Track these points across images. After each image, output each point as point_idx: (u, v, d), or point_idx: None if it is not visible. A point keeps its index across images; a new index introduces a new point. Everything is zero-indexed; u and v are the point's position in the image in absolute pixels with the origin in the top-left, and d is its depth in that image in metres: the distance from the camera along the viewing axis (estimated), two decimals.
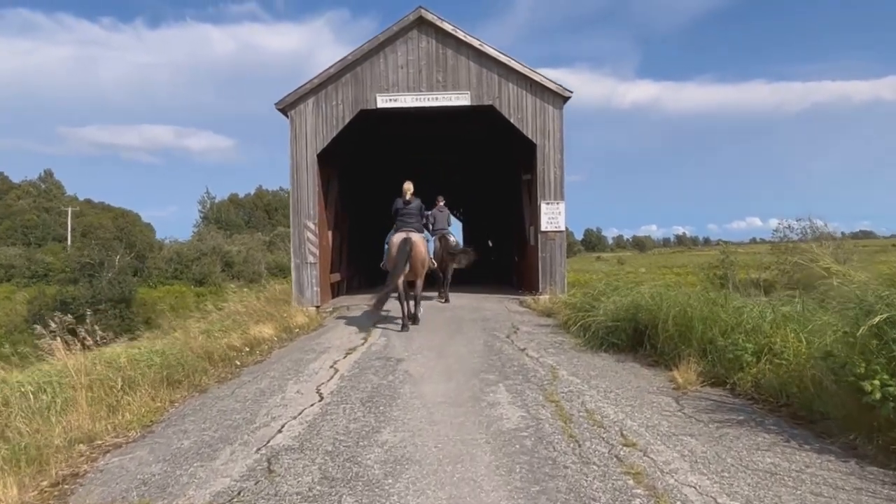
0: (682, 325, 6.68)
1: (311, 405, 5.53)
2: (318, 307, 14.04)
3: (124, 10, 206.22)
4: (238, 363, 7.57)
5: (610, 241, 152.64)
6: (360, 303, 14.69)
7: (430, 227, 13.23)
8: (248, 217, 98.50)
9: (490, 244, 27.07)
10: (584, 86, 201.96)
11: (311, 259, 14.14)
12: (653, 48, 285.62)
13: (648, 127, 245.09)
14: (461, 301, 14.16)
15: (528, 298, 14.00)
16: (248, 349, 8.24)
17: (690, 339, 6.50)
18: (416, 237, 10.26)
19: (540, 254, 14.38)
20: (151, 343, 7.60)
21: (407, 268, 10.12)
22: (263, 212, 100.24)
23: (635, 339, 7.47)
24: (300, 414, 5.26)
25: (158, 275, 53.40)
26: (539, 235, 14.41)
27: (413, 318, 10.36)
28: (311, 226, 14.15)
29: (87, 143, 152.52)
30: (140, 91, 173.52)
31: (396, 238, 10.14)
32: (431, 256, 11.71)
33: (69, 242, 61.90)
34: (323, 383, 6.34)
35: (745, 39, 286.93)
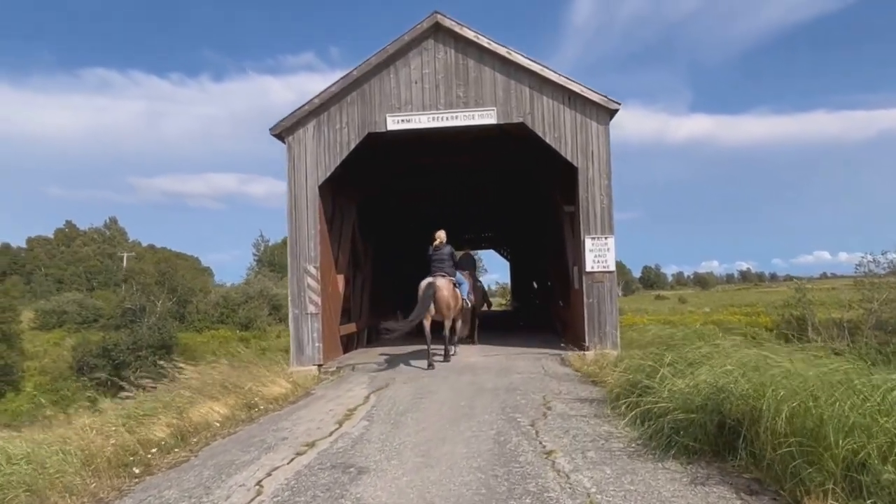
0: (806, 428, 4.07)
1: None
2: (320, 366, 11.82)
3: (191, 65, 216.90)
4: (136, 471, 5.31)
5: (669, 279, 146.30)
6: (374, 359, 12.44)
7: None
8: None
9: (535, 286, 24.48)
10: (636, 121, 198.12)
11: (311, 309, 11.96)
12: (705, 82, 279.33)
13: (704, 161, 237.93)
14: (490, 359, 11.66)
15: (572, 355, 11.39)
16: (165, 444, 5.98)
17: (822, 455, 3.88)
18: (440, 281, 10.88)
19: (585, 299, 11.79)
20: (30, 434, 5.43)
21: (432, 310, 10.76)
22: None
23: (721, 439, 4.87)
24: None
25: (204, 319, 52.93)
26: (583, 277, 11.85)
27: (445, 357, 11.29)
28: (312, 270, 12.02)
29: (156, 191, 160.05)
30: (205, 141, 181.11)
31: (423, 282, 10.94)
32: (466, 297, 12.36)
33: (123, 287, 62.47)
34: None
35: (801, 71, 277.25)
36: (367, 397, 8.25)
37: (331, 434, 6.24)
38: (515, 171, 18.36)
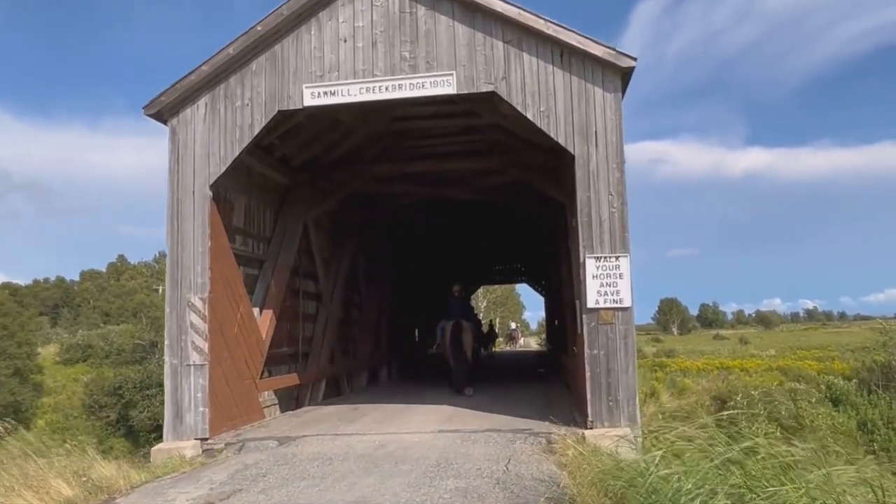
0: None
1: None
2: (204, 440, 8.23)
3: None
4: None
5: (730, 317, 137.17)
6: (291, 430, 8.80)
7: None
8: None
9: (556, 324, 20.35)
10: (691, 156, 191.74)
11: (195, 359, 8.42)
12: (760, 115, 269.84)
13: (763, 196, 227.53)
14: (440, 438, 7.79)
15: (566, 436, 7.40)
16: None
17: None
18: (465, 322, 12.63)
19: (587, 349, 7.84)
20: None
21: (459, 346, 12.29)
22: None
23: None
24: None
25: None
26: (584, 316, 7.92)
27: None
28: (198, 303, 8.51)
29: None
30: None
31: (448, 323, 12.54)
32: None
33: (131, 322, 60.88)
34: None
35: (862, 103, 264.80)
36: None
37: None
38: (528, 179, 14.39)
